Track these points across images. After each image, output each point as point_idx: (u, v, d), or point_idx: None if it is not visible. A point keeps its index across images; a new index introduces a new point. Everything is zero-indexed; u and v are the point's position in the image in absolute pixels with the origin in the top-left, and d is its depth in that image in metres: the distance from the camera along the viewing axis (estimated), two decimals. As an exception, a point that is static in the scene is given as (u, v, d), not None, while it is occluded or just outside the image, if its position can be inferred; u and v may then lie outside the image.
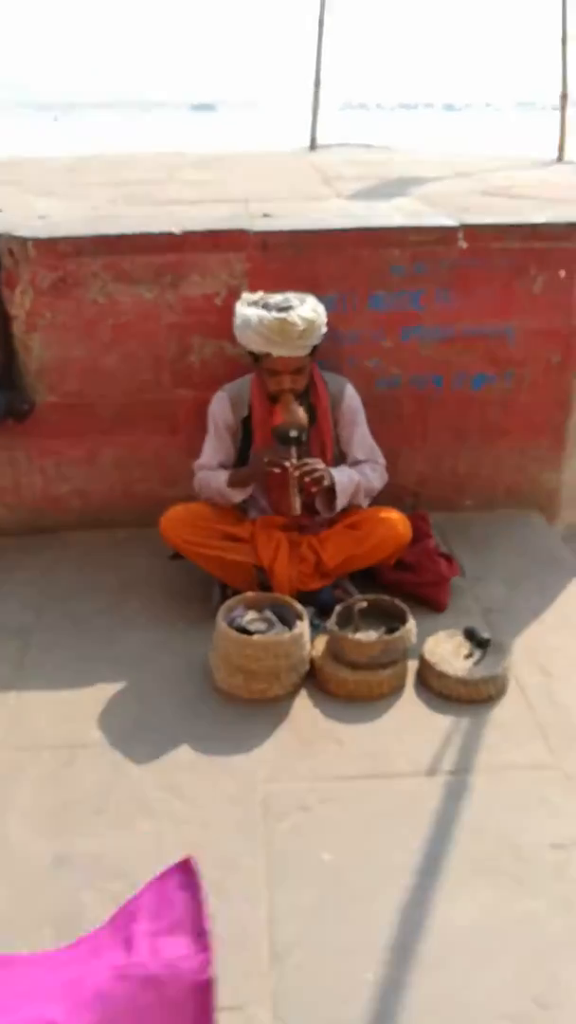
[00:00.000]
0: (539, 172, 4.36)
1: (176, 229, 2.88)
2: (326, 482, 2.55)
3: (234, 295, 2.89)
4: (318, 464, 2.54)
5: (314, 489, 2.55)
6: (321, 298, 2.87)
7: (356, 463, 2.76)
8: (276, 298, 2.57)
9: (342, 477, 2.63)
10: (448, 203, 3.27)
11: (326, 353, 2.97)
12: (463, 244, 2.88)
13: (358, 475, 2.68)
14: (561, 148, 4.82)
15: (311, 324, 2.49)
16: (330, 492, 2.62)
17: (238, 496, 2.66)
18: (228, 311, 2.85)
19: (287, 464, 2.50)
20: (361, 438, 2.78)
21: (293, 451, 2.52)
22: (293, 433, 2.53)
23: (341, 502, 2.63)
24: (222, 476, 2.65)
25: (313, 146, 5.72)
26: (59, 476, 3.18)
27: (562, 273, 2.93)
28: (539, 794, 2.00)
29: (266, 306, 2.54)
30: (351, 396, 2.77)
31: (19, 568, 3.02)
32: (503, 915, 1.70)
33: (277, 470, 2.51)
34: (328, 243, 2.88)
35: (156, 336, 2.98)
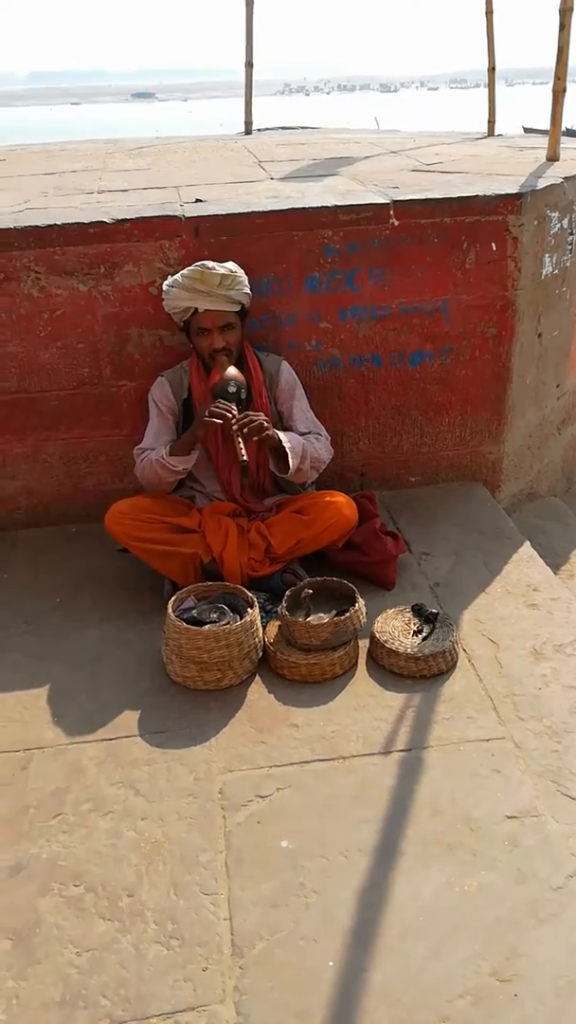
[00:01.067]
0: (469, 147, 4.35)
1: (107, 218, 2.83)
2: (268, 431, 2.57)
3: (170, 283, 2.86)
4: (259, 415, 2.57)
5: (255, 437, 2.55)
6: (257, 281, 2.87)
7: (301, 435, 2.76)
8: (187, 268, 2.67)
9: (288, 439, 2.65)
10: (379, 181, 3.26)
11: (265, 337, 2.97)
12: (394, 221, 2.88)
13: (304, 443, 2.70)
14: (491, 122, 4.82)
15: (230, 272, 2.58)
16: (280, 450, 2.62)
17: (180, 464, 2.64)
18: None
19: (229, 416, 2.51)
20: (301, 412, 2.81)
21: (233, 407, 2.54)
22: (231, 388, 2.56)
23: (293, 462, 2.62)
24: (161, 449, 2.66)
25: (248, 130, 5.65)
26: (4, 474, 3.13)
27: (493, 246, 2.95)
28: (492, 766, 2.02)
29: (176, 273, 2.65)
30: (287, 371, 2.81)
31: (-32, 570, 2.97)
32: (460, 891, 1.72)
33: (218, 420, 2.51)
34: (260, 226, 2.86)
35: (93, 328, 2.94)
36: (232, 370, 2.61)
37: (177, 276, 2.62)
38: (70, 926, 1.70)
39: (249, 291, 2.67)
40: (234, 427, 2.52)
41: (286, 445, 2.61)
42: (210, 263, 2.58)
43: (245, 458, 2.51)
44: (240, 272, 2.63)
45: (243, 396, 2.61)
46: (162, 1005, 1.54)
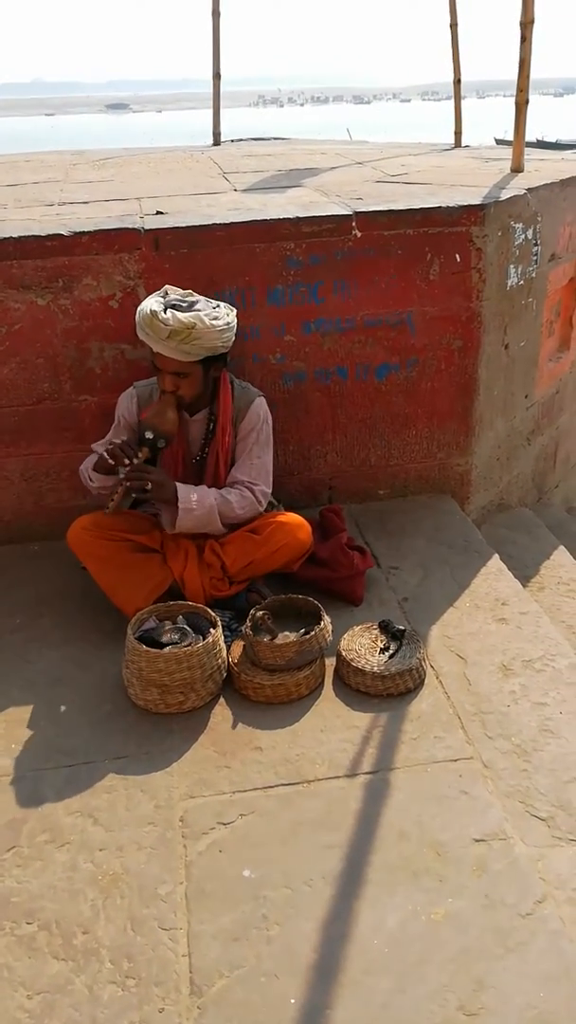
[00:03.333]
0: (434, 158, 4.35)
1: (65, 231, 2.78)
2: (147, 486, 2.44)
3: (131, 297, 2.82)
4: (154, 476, 2.45)
5: (132, 494, 2.47)
6: (219, 294, 2.83)
7: (233, 483, 2.64)
8: (180, 294, 2.53)
9: (192, 496, 2.51)
10: (342, 192, 3.24)
11: (230, 351, 2.91)
12: (357, 233, 2.85)
13: (217, 499, 2.56)
14: (457, 133, 4.83)
15: (188, 330, 2.36)
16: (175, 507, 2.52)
17: (97, 481, 2.56)
18: (126, 313, 2.78)
19: (125, 460, 2.42)
20: (247, 458, 2.65)
21: (143, 452, 2.45)
22: (148, 435, 2.46)
23: (183, 523, 2.51)
24: (89, 460, 2.59)
25: (216, 141, 5.62)
26: (-36, 492, 3.05)
27: (457, 257, 2.93)
28: (459, 787, 1.98)
29: (164, 296, 2.50)
30: (255, 411, 2.66)
31: None
32: (427, 920, 1.67)
33: (112, 461, 2.42)
34: (222, 238, 2.82)
35: (52, 343, 2.88)
36: (165, 416, 2.46)
37: (143, 306, 2.44)
38: (21, 967, 1.63)
39: (222, 342, 2.46)
40: (121, 476, 2.43)
41: (180, 506, 2.49)
42: (170, 313, 2.38)
43: (109, 510, 2.45)
44: (203, 327, 2.37)
45: (160, 447, 2.48)
46: (116, 1050, 1.48)
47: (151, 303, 2.44)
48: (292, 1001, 1.53)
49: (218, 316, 2.44)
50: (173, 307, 2.44)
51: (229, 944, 1.65)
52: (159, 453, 2.52)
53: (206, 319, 2.39)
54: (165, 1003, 1.54)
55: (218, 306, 2.51)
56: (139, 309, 2.45)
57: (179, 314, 2.38)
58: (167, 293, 2.54)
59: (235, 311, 2.55)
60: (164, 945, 1.65)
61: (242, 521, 2.62)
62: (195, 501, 2.52)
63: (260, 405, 2.68)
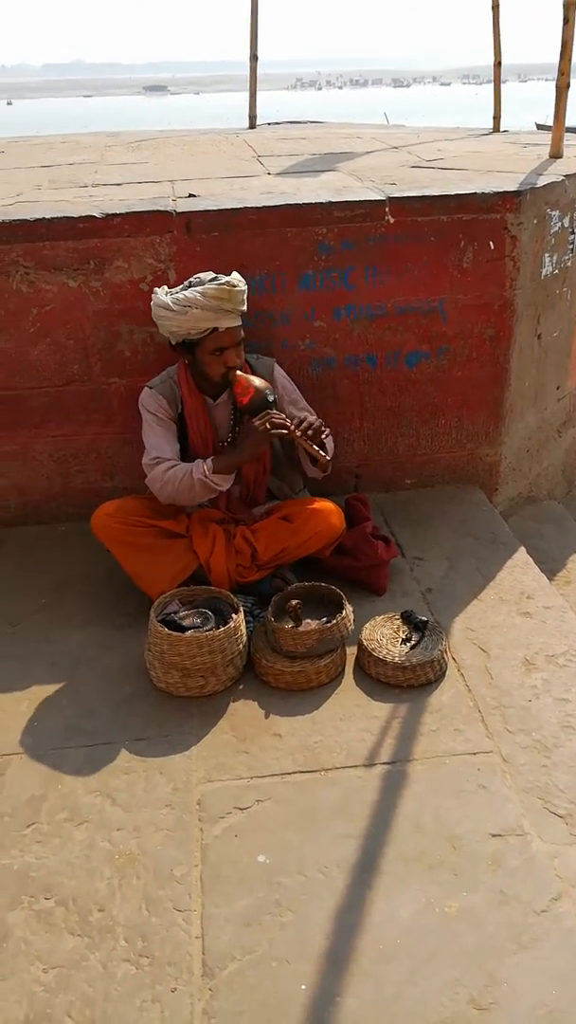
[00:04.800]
0: (472, 143, 4.28)
1: (97, 212, 2.78)
2: (325, 429, 2.55)
3: (161, 279, 2.82)
4: (309, 417, 2.54)
5: (323, 435, 2.53)
6: (250, 278, 2.81)
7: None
8: (188, 281, 2.54)
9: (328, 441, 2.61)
10: (376, 177, 3.20)
11: (257, 336, 2.91)
12: (390, 219, 2.82)
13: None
14: (496, 118, 4.74)
15: (245, 285, 2.51)
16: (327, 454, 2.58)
17: (225, 484, 2.53)
18: (155, 296, 2.77)
19: (290, 424, 2.47)
20: (304, 411, 2.73)
21: (283, 415, 2.51)
22: (271, 398, 2.51)
23: (331, 461, 2.60)
24: (201, 465, 2.51)
25: (252, 124, 5.59)
26: (-6, 472, 3.08)
27: (491, 244, 2.89)
28: (477, 781, 1.96)
29: (191, 285, 2.50)
30: (280, 374, 2.74)
31: (-45, 569, 2.93)
32: (440, 913, 1.66)
33: (284, 432, 2.47)
34: (253, 222, 2.80)
35: (83, 324, 2.89)
36: (258, 379, 2.54)
37: (191, 294, 2.43)
38: (38, 941, 1.66)
39: None
40: (302, 428, 2.48)
41: (328, 444, 2.58)
42: (233, 279, 2.47)
43: (327, 456, 2.51)
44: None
45: (277, 402, 2.56)
46: (129, 1027, 1.50)
47: (190, 292, 2.44)
48: (303, 987, 1.54)
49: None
50: (210, 282, 2.49)
51: (242, 928, 1.66)
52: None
53: (236, 276, 2.52)
54: (178, 983, 1.56)
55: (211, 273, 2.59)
56: (186, 300, 2.43)
57: (234, 278, 2.49)
58: (176, 287, 2.56)
59: None
60: (178, 926, 1.66)
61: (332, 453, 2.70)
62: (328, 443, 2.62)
63: (279, 369, 2.76)
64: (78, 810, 1.95)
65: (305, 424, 2.50)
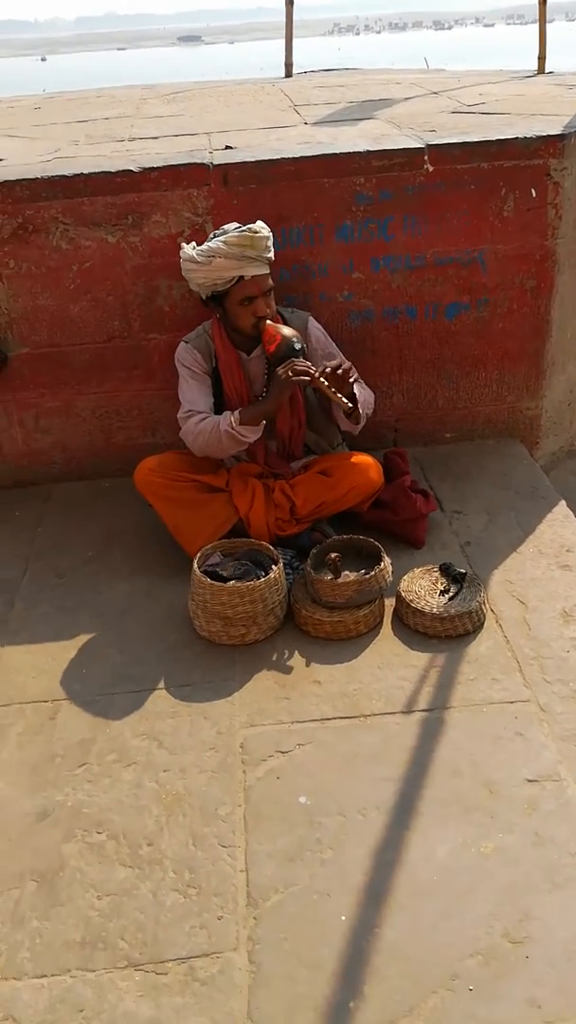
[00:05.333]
0: (515, 86, 4.15)
1: (134, 167, 2.78)
2: (354, 373, 2.52)
3: (199, 234, 2.82)
4: (336, 361, 2.52)
5: (351, 379, 2.50)
6: (287, 230, 2.81)
7: None
8: (215, 232, 2.56)
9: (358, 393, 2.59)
10: (415, 124, 3.13)
11: (295, 288, 2.91)
12: (428, 167, 2.77)
13: (358, 389, 2.63)
14: (541, 59, 4.58)
15: (269, 232, 2.52)
16: (353, 402, 2.56)
17: (252, 435, 2.54)
18: (194, 251, 2.78)
19: (314, 371, 2.47)
20: (342, 358, 2.69)
21: (309, 363, 2.50)
22: (297, 346, 2.50)
23: (364, 412, 2.60)
24: (228, 417, 2.53)
25: (288, 73, 5.47)
26: (39, 428, 3.15)
27: (533, 192, 2.83)
28: (514, 728, 2.00)
29: (215, 237, 2.51)
30: (315, 327, 2.73)
31: (3, 522, 3.02)
32: (476, 852, 1.71)
33: (307, 378, 2.46)
34: (290, 173, 2.78)
35: (122, 280, 2.91)
36: (288, 328, 2.55)
37: (216, 244, 2.46)
38: (92, 871, 1.75)
39: None
40: (327, 372, 2.46)
41: (358, 395, 2.56)
42: (255, 226, 2.48)
43: (349, 403, 2.49)
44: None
45: (306, 352, 2.55)
46: (178, 950, 1.58)
47: (214, 242, 2.47)
48: (343, 918, 1.61)
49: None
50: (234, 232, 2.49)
51: (284, 863, 1.73)
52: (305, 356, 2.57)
53: (261, 223, 2.53)
54: (224, 912, 1.64)
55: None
56: (209, 250, 2.46)
57: (258, 224, 2.50)
58: (195, 243, 2.58)
59: None
60: (223, 860, 1.74)
61: (371, 408, 2.73)
62: (359, 390, 2.59)
63: (314, 322, 2.75)
64: (126, 752, 2.03)
65: (329, 369, 2.47)
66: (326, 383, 2.46)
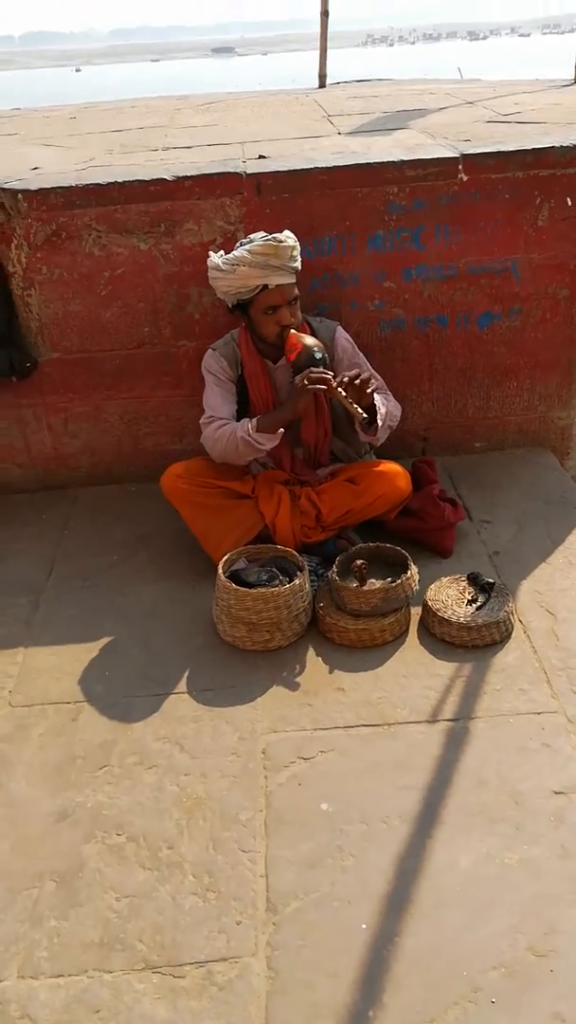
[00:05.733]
0: (551, 95, 4.14)
1: (168, 175, 2.81)
2: (374, 381, 2.52)
3: (231, 242, 2.83)
4: (354, 371, 2.50)
5: (369, 389, 2.46)
6: (319, 239, 2.82)
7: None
8: (241, 241, 2.56)
9: (380, 408, 2.56)
10: (450, 134, 3.13)
11: (327, 297, 2.91)
12: (463, 176, 2.77)
13: (383, 402, 2.61)
14: (578, 68, 4.56)
15: (295, 242, 2.52)
16: (370, 413, 2.54)
17: (268, 442, 2.53)
18: (225, 258, 2.79)
19: (331, 379, 2.45)
20: (369, 370, 2.70)
21: (328, 371, 2.49)
22: (318, 355, 2.50)
23: (383, 426, 2.56)
24: (246, 423, 2.54)
25: (322, 83, 5.50)
26: (67, 432, 3.18)
27: (568, 201, 2.81)
28: (541, 739, 1.97)
29: (242, 246, 2.52)
30: (342, 337, 2.72)
31: (31, 525, 3.05)
32: (500, 863, 1.69)
33: (323, 387, 2.44)
34: (323, 183, 2.79)
35: (154, 287, 2.93)
36: (311, 338, 2.54)
37: (241, 253, 2.47)
38: (111, 872, 1.75)
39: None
40: (344, 382, 2.44)
41: (377, 404, 2.53)
42: (280, 235, 2.49)
43: (364, 414, 2.46)
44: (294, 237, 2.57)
45: (328, 362, 2.54)
46: (196, 954, 1.57)
47: (239, 250, 2.48)
48: (363, 926, 1.59)
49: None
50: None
51: (305, 870, 1.71)
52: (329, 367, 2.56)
53: (287, 233, 2.54)
54: (243, 916, 1.63)
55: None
56: (234, 258, 2.47)
57: (280, 234, 2.51)
58: (223, 251, 2.59)
59: None
60: (243, 865, 1.73)
61: (396, 420, 2.70)
62: (379, 401, 2.57)
63: (342, 332, 2.73)
64: (147, 755, 2.03)
65: (347, 379, 2.44)
66: (343, 393, 2.43)
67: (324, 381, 2.43)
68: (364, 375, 2.46)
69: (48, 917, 1.67)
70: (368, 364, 2.76)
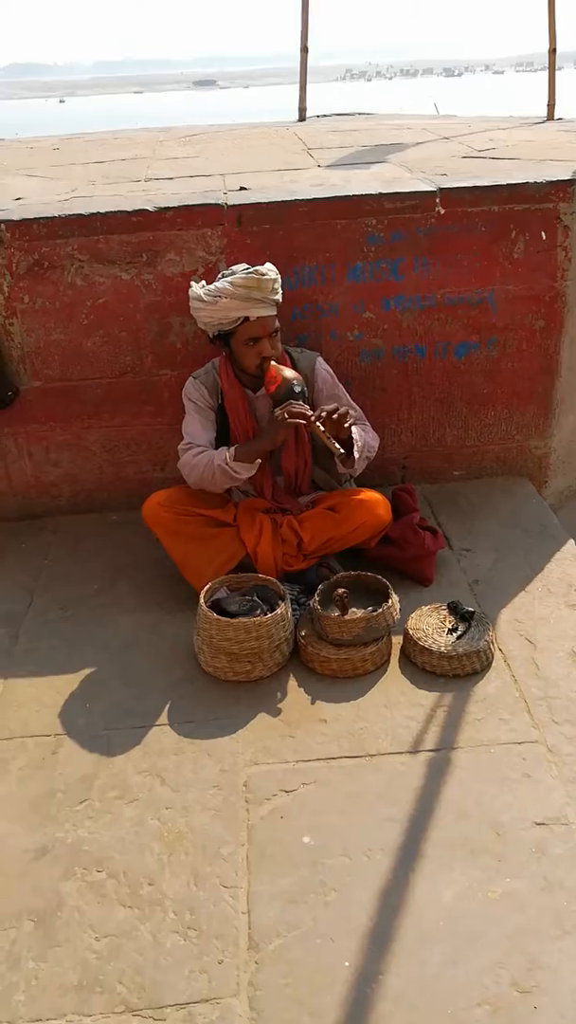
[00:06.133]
0: (525, 132, 4.23)
1: (150, 206, 2.83)
2: (352, 414, 2.53)
3: (212, 272, 2.86)
4: (328, 404, 2.52)
5: (347, 424, 2.47)
6: (299, 270, 2.85)
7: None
8: (223, 273, 2.57)
9: (356, 440, 2.57)
10: (427, 168, 3.19)
11: (306, 327, 2.94)
12: (440, 210, 2.82)
13: (358, 430, 2.63)
14: (551, 106, 4.68)
15: (277, 275, 2.52)
16: (347, 447, 2.55)
17: (245, 472, 2.55)
18: (206, 289, 2.81)
19: (310, 414, 2.46)
20: (348, 402, 2.74)
21: (306, 405, 2.50)
22: (297, 388, 2.51)
23: (360, 458, 2.58)
24: (227, 450, 2.56)
25: (302, 117, 5.59)
26: (48, 461, 3.16)
27: (543, 235, 2.86)
28: (522, 770, 1.97)
29: (224, 277, 2.53)
30: (322, 368, 2.74)
31: (11, 554, 3.03)
32: (483, 897, 1.68)
33: (302, 421, 2.45)
34: (303, 214, 2.82)
35: (135, 317, 2.94)
36: (290, 371, 2.56)
37: (222, 284, 2.47)
38: (91, 911, 1.72)
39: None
40: (322, 416, 2.45)
41: (355, 437, 2.54)
42: (262, 268, 2.50)
43: (341, 449, 2.48)
44: (276, 271, 2.57)
45: (307, 395, 2.55)
46: (177, 995, 1.55)
47: (221, 282, 2.49)
48: (346, 964, 1.57)
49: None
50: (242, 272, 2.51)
51: (287, 906, 1.69)
52: (307, 401, 2.57)
53: (272, 266, 2.55)
54: (224, 955, 1.60)
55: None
56: (216, 289, 2.48)
57: (266, 267, 2.52)
58: (204, 281, 2.60)
59: None
60: (225, 902, 1.71)
61: (374, 452, 2.73)
62: (357, 434, 2.58)
63: (322, 363, 2.75)
64: (128, 788, 2.01)
65: (325, 413, 2.46)
66: (321, 427, 2.45)
67: (303, 416, 2.45)
68: (342, 409, 2.48)
69: (26, 959, 1.64)
70: (348, 395, 2.79)
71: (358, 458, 2.57)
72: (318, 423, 2.45)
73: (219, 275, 2.59)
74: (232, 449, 2.54)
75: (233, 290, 2.46)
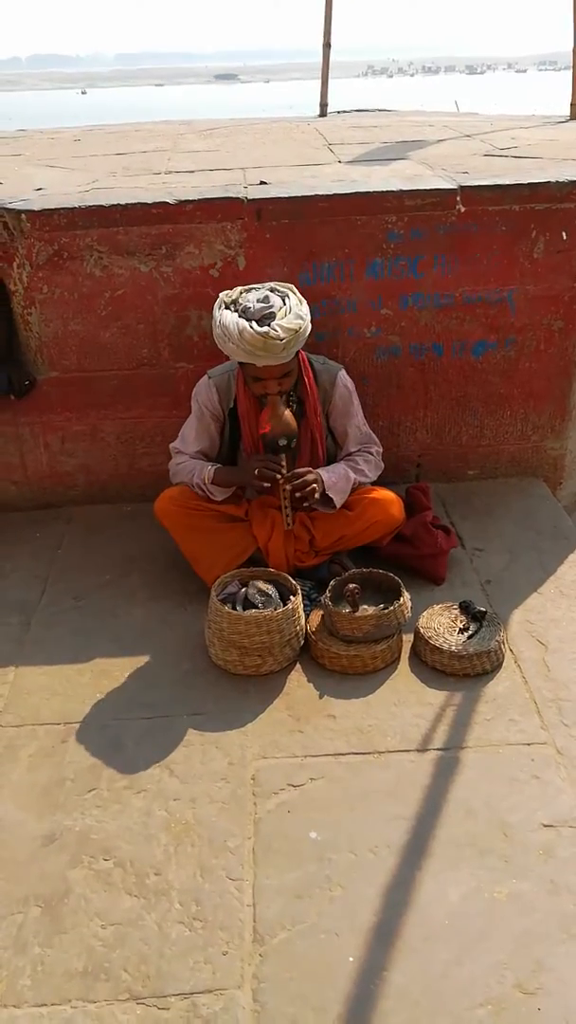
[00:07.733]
0: (548, 131, 4.20)
1: (170, 199, 2.83)
2: (316, 495, 2.48)
3: (230, 265, 2.86)
4: (308, 476, 2.48)
5: (305, 504, 2.49)
6: (318, 266, 2.83)
7: (349, 454, 2.70)
8: (254, 300, 2.40)
9: (333, 478, 2.55)
10: (448, 165, 3.17)
11: (324, 324, 2.93)
12: (460, 208, 2.80)
13: (351, 471, 2.62)
14: (574, 105, 4.63)
15: (294, 335, 2.34)
16: (324, 496, 2.55)
17: (220, 495, 2.58)
18: (225, 282, 2.82)
19: (278, 477, 2.45)
20: (356, 429, 2.70)
21: (283, 459, 2.48)
22: (282, 442, 2.47)
23: (338, 501, 2.57)
24: (208, 469, 2.56)
25: (323, 112, 5.57)
26: (63, 451, 3.18)
27: (564, 235, 2.85)
28: (531, 771, 1.97)
29: (245, 312, 2.37)
30: (342, 385, 2.65)
31: (25, 543, 3.04)
32: (489, 897, 1.68)
33: (267, 484, 2.47)
34: (323, 210, 2.82)
35: (153, 309, 2.95)
36: (285, 417, 2.46)
37: (231, 327, 2.33)
38: (97, 899, 1.73)
39: (310, 328, 2.45)
40: (286, 488, 2.45)
41: (330, 493, 2.53)
42: (273, 330, 2.30)
43: (291, 524, 2.49)
44: (305, 320, 2.38)
45: (292, 447, 2.51)
46: (181, 985, 1.56)
47: (233, 321, 2.34)
48: (351, 959, 1.57)
49: (303, 307, 2.43)
50: (256, 319, 2.34)
51: (292, 900, 1.70)
52: (293, 451, 2.55)
53: (304, 316, 2.40)
54: (229, 947, 1.61)
55: (287, 295, 2.45)
56: (224, 329, 2.37)
57: (284, 323, 2.33)
58: (236, 301, 2.44)
59: (296, 292, 2.50)
60: (231, 894, 1.72)
61: (371, 481, 2.71)
62: (341, 482, 2.57)
63: (344, 378, 2.67)
64: (137, 779, 2.02)
65: (297, 483, 2.45)
66: (286, 491, 2.47)
67: (271, 479, 2.46)
68: (308, 488, 2.45)
69: (32, 944, 1.65)
70: (361, 414, 2.73)
71: (337, 505, 2.58)
72: (286, 486, 2.46)
73: (240, 291, 2.47)
74: (212, 469, 2.56)
75: (239, 342, 2.34)
